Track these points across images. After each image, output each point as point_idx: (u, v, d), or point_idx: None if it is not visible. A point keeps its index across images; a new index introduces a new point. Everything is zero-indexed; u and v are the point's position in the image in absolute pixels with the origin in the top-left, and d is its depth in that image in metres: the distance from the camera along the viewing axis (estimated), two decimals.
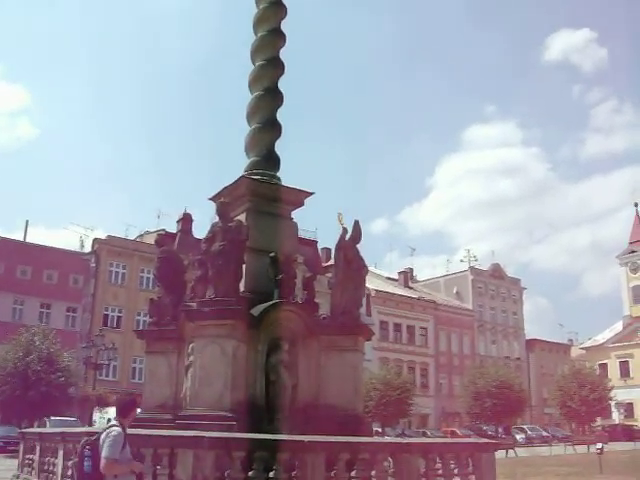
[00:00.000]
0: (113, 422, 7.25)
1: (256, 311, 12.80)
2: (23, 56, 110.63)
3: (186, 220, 53.98)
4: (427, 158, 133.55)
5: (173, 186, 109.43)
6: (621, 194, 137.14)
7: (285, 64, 15.75)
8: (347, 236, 13.81)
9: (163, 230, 53.58)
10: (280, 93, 15.42)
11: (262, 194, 14.41)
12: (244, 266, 12.84)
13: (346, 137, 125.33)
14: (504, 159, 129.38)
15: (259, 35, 15.76)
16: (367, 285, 49.82)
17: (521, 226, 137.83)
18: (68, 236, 61.53)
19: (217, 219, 13.00)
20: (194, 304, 13.21)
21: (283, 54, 15.85)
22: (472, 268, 74.58)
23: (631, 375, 74.00)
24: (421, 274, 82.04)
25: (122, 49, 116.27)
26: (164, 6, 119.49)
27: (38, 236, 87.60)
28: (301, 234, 47.06)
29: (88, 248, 53.14)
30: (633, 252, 79.92)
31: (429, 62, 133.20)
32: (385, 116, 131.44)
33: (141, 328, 46.61)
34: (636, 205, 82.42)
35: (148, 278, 49.46)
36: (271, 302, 13.05)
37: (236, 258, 12.46)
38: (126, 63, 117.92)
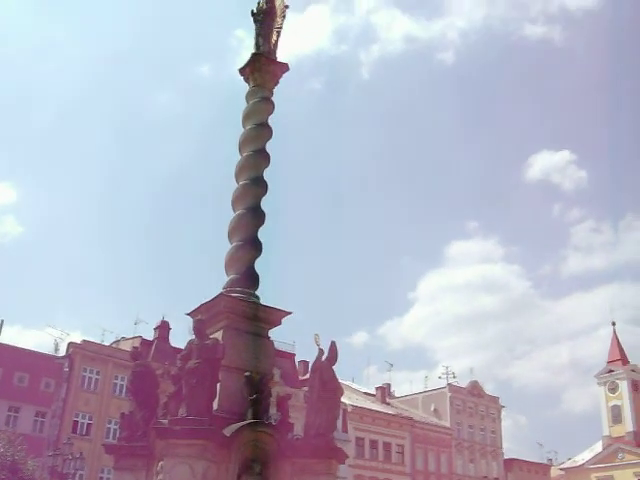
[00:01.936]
0: None
1: (228, 431, 12.66)
2: (12, 155, 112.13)
3: (163, 328, 53.64)
4: (410, 273, 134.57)
5: (152, 293, 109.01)
6: (600, 312, 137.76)
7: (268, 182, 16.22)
8: (323, 357, 13.86)
9: (140, 337, 53.28)
10: (262, 212, 15.76)
11: (240, 312, 14.49)
12: (218, 385, 12.79)
13: (329, 250, 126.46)
14: (485, 275, 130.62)
15: (244, 155, 16.26)
16: (344, 400, 49.25)
17: (501, 342, 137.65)
18: (44, 337, 60.86)
19: (193, 336, 13.05)
20: (166, 421, 13.05)
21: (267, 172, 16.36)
22: (450, 385, 73.93)
23: None
24: (400, 389, 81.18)
25: (107, 155, 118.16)
26: (147, 116, 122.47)
27: (14, 336, 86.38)
28: (279, 347, 46.83)
29: (63, 351, 52.41)
30: (611, 371, 79.77)
31: (412, 177, 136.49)
32: (368, 231, 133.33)
33: (111, 437, 45.62)
34: (614, 324, 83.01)
35: (122, 385, 48.54)
36: (244, 422, 12.91)
37: (210, 377, 12.44)
38: (110, 170, 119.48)
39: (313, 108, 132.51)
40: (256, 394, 13.24)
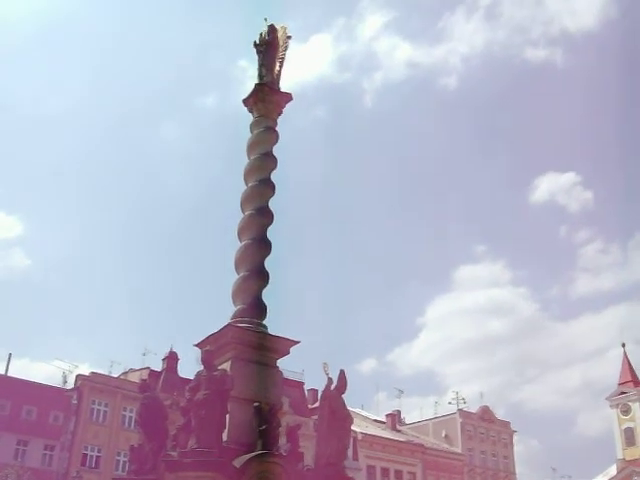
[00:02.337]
0: None
1: (238, 463, 12.57)
2: (18, 188, 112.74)
3: (171, 359, 53.57)
4: (418, 298, 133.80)
5: (159, 324, 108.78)
6: (610, 333, 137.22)
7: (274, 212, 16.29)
8: (332, 386, 13.82)
9: (148, 368, 53.12)
10: (268, 242, 15.82)
11: (248, 342, 14.49)
12: (227, 416, 12.74)
13: (336, 277, 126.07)
14: (494, 299, 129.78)
15: (249, 185, 16.35)
16: (354, 428, 48.91)
17: (511, 366, 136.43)
18: (52, 370, 60.66)
19: (202, 367, 13.04)
20: (175, 454, 12.98)
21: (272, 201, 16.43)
22: (461, 411, 73.30)
23: None
24: (410, 415, 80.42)
25: (112, 187, 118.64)
26: (153, 147, 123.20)
27: (22, 369, 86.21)
28: (288, 375, 46.46)
29: (71, 384, 52.28)
30: (623, 393, 79.11)
31: (419, 203, 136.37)
32: (375, 256, 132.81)
33: (121, 469, 45.33)
34: (624, 345, 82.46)
35: (130, 417, 48.25)
36: (254, 453, 12.81)
37: (219, 408, 12.42)
38: (115, 202, 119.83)
39: (318, 136, 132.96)
40: (265, 425, 13.15)
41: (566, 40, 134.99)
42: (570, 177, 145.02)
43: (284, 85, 17.71)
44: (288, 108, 17.74)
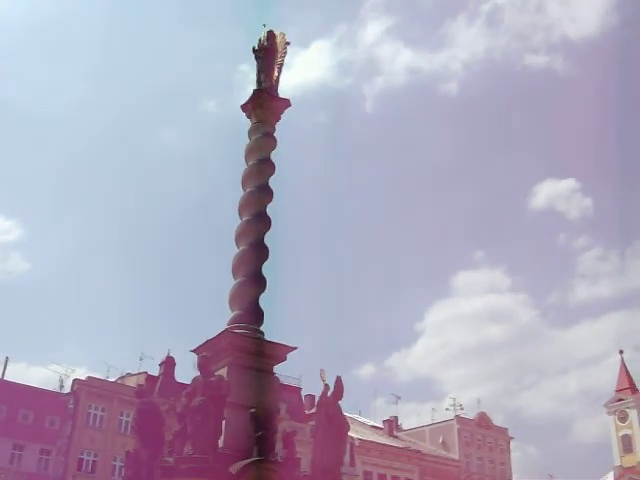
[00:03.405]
0: None
1: (234, 469, 12.55)
2: (19, 192, 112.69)
3: (169, 364, 53.44)
4: (417, 304, 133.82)
5: (157, 328, 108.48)
6: (608, 340, 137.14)
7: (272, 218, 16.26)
8: (329, 393, 13.81)
9: (145, 373, 53.04)
10: (266, 248, 15.81)
11: (244, 348, 14.46)
12: (224, 422, 12.71)
13: (335, 282, 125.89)
14: (492, 305, 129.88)
15: (247, 191, 16.35)
16: (351, 434, 48.85)
17: (509, 372, 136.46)
18: (49, 374, 60.29)
19: (198, 373, 13.02)
20: (171, 460, 12.95)
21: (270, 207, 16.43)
22: (458, 417, 73.22)
23: None
24: (408, 421, 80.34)
25: (113, 192, 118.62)
26: (155, 152, 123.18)
27: (18, 373, 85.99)
28: (285, 381, 46.54)
29: (68, 388, 52.17)
30: (620, 400, 79.07)
31: (418, 208, 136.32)
32: (374, 262, 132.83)
33: (117, 475, 45.21)
34: (621, 352, 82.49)
35: (127, 422, 48.08)
36: (250, 460, 12.79)
37: (216, 414, 12.39)
38: (115, 207, 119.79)
39: (318, 140, 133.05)
40: (262, 431, 13.12)
41: (567, 47, 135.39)
42: (569, 184, 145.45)
43: (284, 90, 17.75)
44: (288, 113, 17.74)
